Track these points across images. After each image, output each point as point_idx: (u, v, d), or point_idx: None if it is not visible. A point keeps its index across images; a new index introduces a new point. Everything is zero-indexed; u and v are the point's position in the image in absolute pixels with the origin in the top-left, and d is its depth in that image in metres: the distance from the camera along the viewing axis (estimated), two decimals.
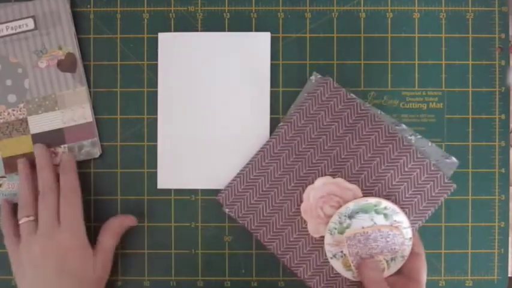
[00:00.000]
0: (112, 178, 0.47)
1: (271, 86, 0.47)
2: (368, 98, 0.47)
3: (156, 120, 0.47)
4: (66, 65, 0.46)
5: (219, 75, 0.46)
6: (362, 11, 0.47)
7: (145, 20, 0.47)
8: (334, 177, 0.42)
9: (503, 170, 0.47)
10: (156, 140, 0.47)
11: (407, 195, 0.42)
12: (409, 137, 0.44)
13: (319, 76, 0.45)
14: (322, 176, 0.43)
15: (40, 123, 0.46)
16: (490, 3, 0.47)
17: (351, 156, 0.43)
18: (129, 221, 0.44)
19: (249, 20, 0.47)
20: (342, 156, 0.43)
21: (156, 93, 0.47)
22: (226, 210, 0.44)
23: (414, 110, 0.47)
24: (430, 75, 0.47)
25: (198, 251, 0.47)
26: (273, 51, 0.47)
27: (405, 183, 0.42)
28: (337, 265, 0.40)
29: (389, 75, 0.47)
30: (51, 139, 0.46)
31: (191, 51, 0.46)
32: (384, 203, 0.38)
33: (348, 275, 0.40)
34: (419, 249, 0.41)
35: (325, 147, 0.43)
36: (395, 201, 0.41)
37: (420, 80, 0.47)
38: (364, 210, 0.38)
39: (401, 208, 0.40)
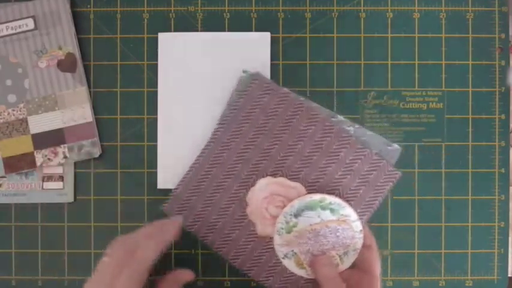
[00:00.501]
0: (112, 178, 0.47)
1: None
2: (368, 98, 0.47)
3: (156, 120, 0.47)
4: (66, 65, 0.46)
5: (219, 75, 0.46)
6: (362, 11, 0.47)
7: (145, 20, 0.47)
8: (275, 177, 0.41)
9: (503, 170, 0.47)
10: (156, 140, 0.47)
11: (352, 188, 0.41)
12: (348, 128, 0.42)
13: (250, 72, 0.44)
14: (263, 176, 0.42)
15: (40, 123, 0.46)
16: (490, 3, 0.47)
17: (290, 153, 0.42)
18: (186, 276, 0.39)
19: (249, 20, 0.47)
20: (282, 154, 0.42)
21: (156, 93, 0.47)
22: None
23: (414, 110, 0.47)
24: (430, 75, 0.47)
25: (198, 251, 0.47)
26: (273, 51, 0.47)
27: (348, 176, 0.41)
28: (289, 264, 0.39)
29: (389, 75, 0.47)
30: (51, 139, 0.46)
31: (191, 51, 0.46)
32: (329, 199, 0.38)
33: (301, 273, 0.39)
34: (370, 241, 0.39)
35: (264, 147, 0.42)
36: (340, 195, 0.40)
37: (420, 80, 0.47)
38: (310, 207, 0.38)
39: (347, 201, 0.39)
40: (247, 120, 0.43)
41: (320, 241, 0.38)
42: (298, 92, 0.47)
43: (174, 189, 0.44)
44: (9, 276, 0.47)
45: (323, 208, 0.38)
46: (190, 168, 0.44)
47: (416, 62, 0.47)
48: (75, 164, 0.47)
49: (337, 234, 0.38)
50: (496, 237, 0.47)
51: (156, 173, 0.46)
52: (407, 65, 0.47)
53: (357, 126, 0.42)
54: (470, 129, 0.47)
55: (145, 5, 0.47)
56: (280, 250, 0.39)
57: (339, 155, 0.41)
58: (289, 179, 0.41)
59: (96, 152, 0.46)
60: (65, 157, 0.46)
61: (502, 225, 0.47)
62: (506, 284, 0.47)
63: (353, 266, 0.39)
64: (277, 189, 0.40)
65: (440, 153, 0.47)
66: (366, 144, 0.41)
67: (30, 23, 0.46)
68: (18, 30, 0.46)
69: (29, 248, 0.46)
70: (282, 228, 0.38)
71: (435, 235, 0.47)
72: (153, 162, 0.47)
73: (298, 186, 0.40)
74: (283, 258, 0.39)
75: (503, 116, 0.47)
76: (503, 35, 0.47)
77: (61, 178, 0.47)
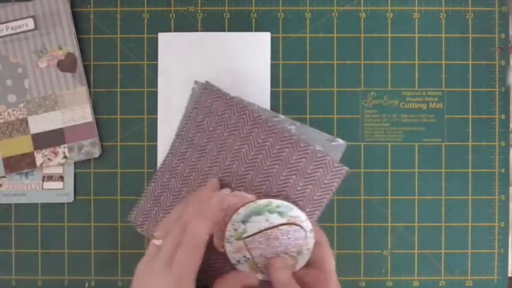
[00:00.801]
0: (112, 178, 0.47)
1: (271, 86, 0.47)
2: (368, 98, 0.47)
3: (156, 120, 0.47)
4: (66, 65, 0.46)
5: (219, 75, 0.46)
6: (362, 11, 0.47)
7: (145, 20, 0.47)
8: (222, 182, 0.41)
9: (503, 170, 0.47)
10: (156, 140, 0.47)
11: (298, 188, 0.39)
12: (289, 127, 0.41)
13: (201, 82, 0.44)
14: None
15: (40, 123, 0.46)
16: (490, 3, 0.47)
17: (236, 158, 0.41)
18: (250, 279, 0.37)
19: (249, 20, 0.47)
20: (228, 160, 0.41)
21: (156, 93, 0.47)
22: (138, 229, 0.43)
23: (414, 110, 0.47)
24: (430, 75, 0.47)
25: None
26: (273, 51, 0.47)
27: (293, 176, 0.40)
28: (244, 269, 0.39)
29: (389, 75, 0.47)
30: (51, 139, 0.46)
31: (191, 51, 0.46)
32: (275, 202, 0.37)
33: (257, 276, 0.39)
34: (319, 238, 0.39)
35: (213, 154, 0.42)
36: (286, 196, 0.39)
37: (420, 80, 0.47)
38: (257, 212, 0.37)
39: (295, 202, 0.38)
40: (200, 129, 0.43)
41: (272, 244, 0.37)
42: (298, 92, 0.47)
43: (139, 201, 0.44)
44: (9, 276, 0.47)
45: (270, 212, 0.37)
46: (152, 179, 0.44)
47: (416, 62, 0.47)
48: (75, 164, 0.47)
49: (289, 236, 0.37)
50: (496, 237, 0.47)
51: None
52: (407, 65, 0.47)
53: (298, 124, 0.41)
54: (470, 129, 0.47)
55: (145, 5, 0.47)
56: (233, 257, 0.38)
57: (281, 156, 0.40)
58: (236, 184, 0.40)
59: (96, 152, 0.46)
60: (65, 157, 0.46)
61: (502, 225, 0.47)
62: (506, 284, 0.47)
63: (307, 265, 0.38)
64: (234, 201, 0.39)
65: (440, 153, 0.47)
66: (309, 141, 0.41)
67: (30, 23, 0.46)
68: (18, 30, 0.46)
69: (29, 248, 0.46)
70: (232, 236, 0.38)
71: (435, 235, 0.47)
72: (153, 162, 0.47)
73: (239, 194, 0.39)
74: (236, 264, 0.39)
75: (503, 116, 0.47)
76: (503, 35, 0.47)
77: (61, 178, 0.47)
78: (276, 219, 0.37)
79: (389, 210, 0.47)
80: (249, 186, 0.40)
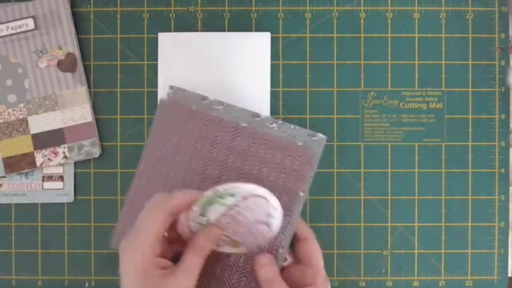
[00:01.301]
0: (112, 178, 0.47)
1: (271, 86, 0.47)
2: (368, 98, 0.47)
3: None
4: (66, 65, 0.46)
5: (219, 75, 0.46)
6: (362, 11, 0.47)
7: (145, 20, 0.47)
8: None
9: (503, 170, 0.47)
10: None
11: (280, 184, 0.40)
12: (271, 125, 0.41)
13: (176, 87, 0.45)
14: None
15: (40, 123, 0.46)
16: (490, 3, 0.47)
17: (221, 170, 0.41)
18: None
19: (249, 20, 0.47)
20: (216, 173, 0.41)
21: (156, 93, 0.47)
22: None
23: (414, 110, 0.47)
24: (430, 75, 0.47)
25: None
26: (273, 51, 0.47)
27: (283, 175, 0.40)
28: (228, 249, 0.39)
29: (389, 75, 0.47)
30: (51, 139, 0.46)
31: (191, 51, 0.46)
32: (221, 187, 0.37)
33: (241, 250, 0.39)
34: (307, 234, 0.39)
35: (185, 165, 0.42)
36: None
37: (420, 80, 0.47)
38: (209, 203, 0.37)
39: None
40: (164, 144, 0.43)
41: (240, 221, 0.37)
42: (298, 92, 0.47)
43: (115, 225, 0.44)
44: (9, 276, 0.47)
45: (221, 197, 0.37)
46: (124, 203, 0.44)
47: (416, 62, 0.47)
48: (75, 164, 0.47)
49: (251, 207, 0.37)
50: (496, 237, 0.47)
51: None
52: (407, 65, 0.47)
53: (280, 122, 0.41)
54: (470, 129, 0.47)
55: (145, 5, 0.47)
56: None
57: (266, 159, 0.40)
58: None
59: (96, 152, 0.46)
60: (65, 157, 0.46)
61: (502, 225, 0.47)
62: (506, 284, 0.47)
63: (296, 260, 0.39)
64: (179, 200, 0.39)
65: (440, 153, 0.47)
66: (291, 138, 0.40)
67: (30, 23, 0.46)
68: (18, 30, 0.46)
69: (29, 248, 0.46)
70: (200, 229, 0.37)
71: (435, 235, 0.47)
72: None
73: (199, 192, 0.39)
74: (218, 248, 0.39)
75: (503, 116, 0.47)
76: (503, 35, 0.47)
77: (61, 178, 0.47)
78: (230, 200, 0.37)
79: (389, 210, 0.47)
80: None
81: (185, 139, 0.42)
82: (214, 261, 0.39)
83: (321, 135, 0.40)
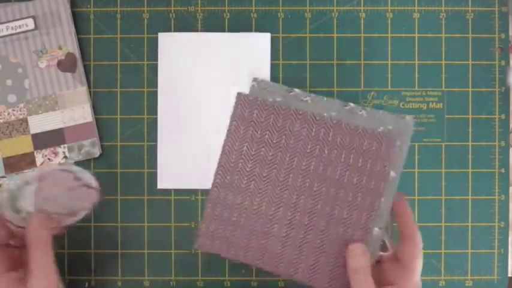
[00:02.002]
0: (112, 178, 0.47)
1: None
2: (368, 98, 0.47)
3: (156, 120, 0.47)
4: (66, 65, 0.46)
5: (219, 75, 0.46)
6: (362, 11, 0.47)
7: (145, 20, 0.47)
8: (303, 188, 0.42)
9: (503, 170, 0.47)
10: (156, 140, 0.47)
11: (368, 168, 0.41)
12: (360, 112, 0.42)
13: (259, 79, 0.44)
14: (279, 184, 0.43)
15: (40, 123, 0.46)
16: (490, 3, 0.47)
17: (308, 161, 0.42)
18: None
19: (249, 20, 0.47)
20: (304, 164, 0.42)
21: (156, 93, 0.47)
22: (210, 251, 0.43)
23: (414, 110, 0.47)
24: (430, 75, 0.47)
25: (198, 251, 0.47)
26: (273, 51, 0.47)
27: (370, 160, 0.41)
28: (70, 221, 0.39)
29: (389, 75, 0.47)
30: (51, 139, 0.46)
31: (191, 51, 0.46)
32: (12, 184, 0.38)
33: (82, 214, 0.40)
34: (413, 235, 0.38)
35: (278, 160, 0.42)
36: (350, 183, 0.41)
37: (420, 80, 0.47)
38: (15, 199, 0.38)
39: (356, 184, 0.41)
40: (244, 141, 0.43)
41: (55, 198, 0.38)
42: None
43: (199, 227, 0.44)
44: None
45: (19, 190, 0.38)
46: (207, 204, 0.44)
47: (416, 62, 0.47)
48: (75, 164, 0.47)
49: (54, 183, 0.38)
50: (496, 237, 0.47)
51: (156, 173, 0.46)
52: (407, 65, 0.47)
53: (368, 108, 0.43)
54: (470, 129, 0.47)
55: (145, 5, 0.47)
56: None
57: (353, 146, 0.42)
58: (318, 181, 0.42)
59: (96, 152, 0.46)
60: (65, 157, 0.46)
61: (502, 225, 0.47)
62: (506, 284, 0.47)
63: (395, 257, 0.39)
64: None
65: (440, 153, 0.47)
66: (381, 123, 0.42)
67: (30, 23, 0.46)
68: (18, 30, 0.46)
69: None
70: (24, 218, 0.38)
71: (435, 235, 0.47)
72: (153, 162, 0.47)
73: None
74: (59, 225, 0.40)
75: (503, 116, 0.47)
76: (503, 35, 0.47)
77: None
78: (29, 189, 0.38)
79: None
80: (330, 180, 0.42)
81: (269, 133, 0.43)
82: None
83: (408, 116, 0.41)
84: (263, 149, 0.43)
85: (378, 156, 0.41)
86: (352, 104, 0.43)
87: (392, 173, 0.41)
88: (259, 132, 0.43)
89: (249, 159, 0.43)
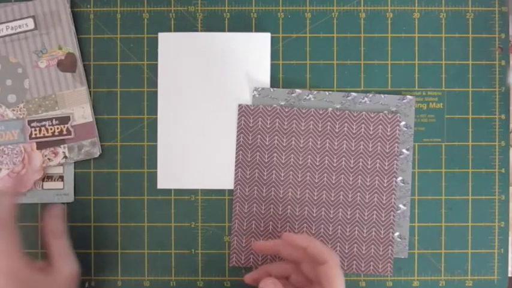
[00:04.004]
0: (112, 178, 0.47)
1: (271, 86, 0.47)
2: None
3: (156, 120, 0.47)
4: (66, 65, 0.46)
5: (219, 75, 0.46)
6: (362, 11, 0.47)
7: (145, 20, 0.47)
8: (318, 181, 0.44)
9: (503, 170, 0.47)
10: (156, 140, 0.47)
11: (378, 151, 0.44)
12: (363, 100, 0.44)
13: (260, 88, 0.46)
14: (303, 184, 0.44)
15: None
16: (490, 3, 0.47)
17: (321, 156, 0.44)
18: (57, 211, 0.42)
19: (249, 20, 0.47)
20: (318, 160, 0.44)
21: (156, 93, 0.47)
22: (247, 265, 0.45)
23: (414, 110, 0.47)
24: (430, 75, 0.47)
25: (198, 251, 0.47)
26: (273, 51, 0.47)
27: (379, 143, 0.44)
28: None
29: (389, 75, 0.47)
30: (52, 139, 0.46)
31: (191, 51, 0.46)
32: None
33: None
34: (327, 257, 0.36)
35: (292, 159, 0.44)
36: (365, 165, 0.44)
37: (420, 80, 0.47)
38: None
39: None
40: (255, 148, 0.44)
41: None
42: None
43: (230, 242, 0.45)
44: None
45: None
46: (233, 220, 0.45)
47: (416, 62, 0.47)
48: (75, 164, 0.47)
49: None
50: (496, 237, 0.47)
51: (156, 173, 0.46)
52: (407, 65, 0.47)
53: (371, 94, 0.44)
54: (470, 129, 0.47)
55: (145, 5, 0.47)
56: None
57: (360, 131, 0.44)
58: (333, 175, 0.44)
59: (96, 152, 0.46)
60: (65, 157, 0.46)
61: (502, 225, 0.47)
62: (506, 284, 0.47)
63: (317, 282, 0.37)
64: None
65: (440, 153, 0.47)
66: (384, 106, 0.44)
67: (30, 23, 0.46)
68: (18, 30, 0.46)
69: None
70: None
71: (435, 235, 0.47)
72: (153, 162, 0.47)
73: None
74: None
75: (503, 116, 0.47)
76: (503, 35, 0.47)
77: (61, 178, 0.47)
78: None
79: None
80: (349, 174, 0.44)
81: (278, 137, 0.44)
82: None
83: (409, 96, 0.45)
84: (275, 154, 0.44)
85: (385, 138, 0.43)
86: (354, 94, 0.44)
87: (404, 151, 0.44)
88: (267, 139, 0.44)
89: (264, 167, 0.44)
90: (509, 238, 0.47)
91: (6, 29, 0.46)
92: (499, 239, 0.47)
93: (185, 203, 0.47)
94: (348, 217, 0.44)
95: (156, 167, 0.46)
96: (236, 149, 0.45)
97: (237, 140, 0.45)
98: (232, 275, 0.46)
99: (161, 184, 0.46)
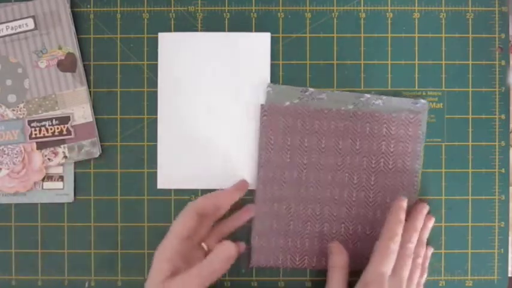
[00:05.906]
0: (112, 178, 0.47)
1: None
2: None
3: (156, 120, 0.47)
4: (66, 65, 0.46)
5: (219, 75, 0.46)
6: (362, 11, 0.47)
7: (145, 20, 0.47)
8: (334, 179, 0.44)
9: (503, 170, 0.47)
10: (156, 140, 0.47)
11: (400, 152, 0.45)
12: (376, 102, 0.45)
13: (273, 84, 0.46)
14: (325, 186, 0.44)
15: None
16: (490, 3, 0.47)
17: (336, 156, 0.44)
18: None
19: (249, 20, 0.47)
20: (340, 160, 0.44)
21: (156, 93, 0.47)
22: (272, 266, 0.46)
23: None
24: (430, 75, 0.47)
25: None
26: (273, 51, 0.47)
27: (401, 143, 0.44)
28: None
29: (389, 75, 0.47)
30: (52, 139, 0.46)
31: (191, 51, 0.46)
32: None
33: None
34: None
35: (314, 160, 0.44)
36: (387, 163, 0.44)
37: (420, 80, 0.47)
38: None
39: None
40: (278, 148, 0.44)
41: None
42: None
43: (251, 242, 0.45)
44: (9, 276, 0.47)
45: None
46: (254, 221, 0.45)
47: (416, 62, 0.47)
48: (75, 164, 0.47)
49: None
50: (496, 237, 0.47)
51: (156, 173, 0.46)
52: (407, 65, 0.47)
53: (384, 97, 0.45)
54: (470, 129, 0.47)
55: (145, 5, 0.47)
56: None
57: (381, 132, 0.44)
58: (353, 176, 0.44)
59: (96, 152, 0.46)
60: (65, 157, 0.46)
61: (502, 225, 0.47)
62: (506, 284, 0.47)
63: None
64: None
65: (440, 153, 0.47)
66: (399, 109, 0.45)
67: (30, 23, 0.46)
68: (18, 30, 0.46)
69: (29, 248, 0.46)
70: None
71: (435, 235, 0.46)
72: (153, 162, 0.47)
73: None
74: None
75: (503, 116, 0.47)
76: (503, 35, 0.47)
77: (61, 178, 0.47)
78: None
79: None
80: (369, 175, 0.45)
81: (300, 137, 0.44)
82: None
83: (422, 100, 0.45)
84: (298, 154, 0.44)
85: (407, 139, 0.44)
86: (367, 95, 0.44)
87: (419, 152, 0.45)
88: (289, 139, 0.44)
89: (285, 167, 0.44)
90: (509, 238, 0.47)
91: (6, 29, 0.46)
92: (499, 239, 0.47)
93: (185, 203, 0.47)
94: (370, 218, 0.44)
95: (156, 167, 0.46)
96: (259, 149, 0.45)
97: (260, 140, 0.45)
98: (232, 275, 0.46)
99: (161, 184, 0.46)
